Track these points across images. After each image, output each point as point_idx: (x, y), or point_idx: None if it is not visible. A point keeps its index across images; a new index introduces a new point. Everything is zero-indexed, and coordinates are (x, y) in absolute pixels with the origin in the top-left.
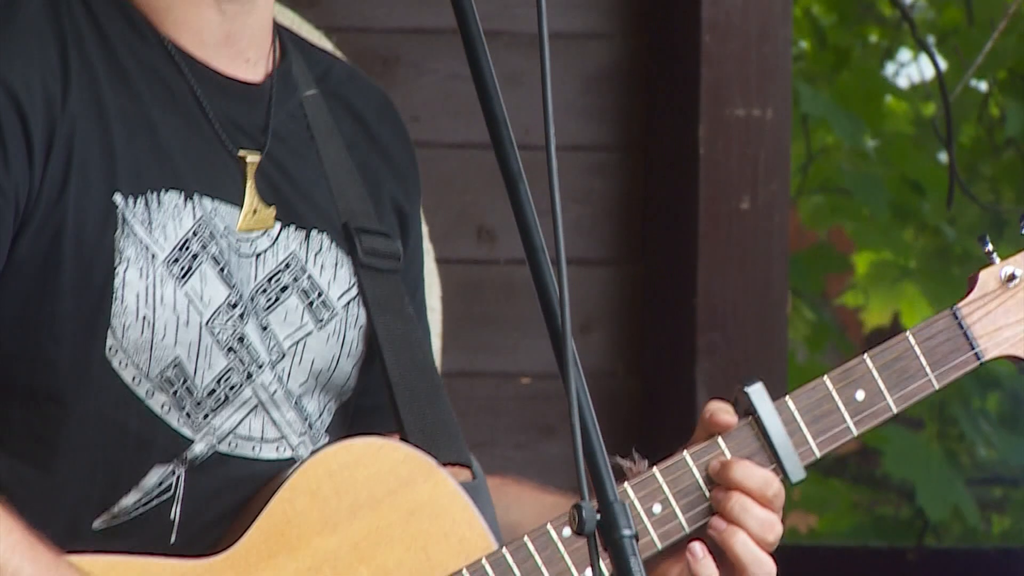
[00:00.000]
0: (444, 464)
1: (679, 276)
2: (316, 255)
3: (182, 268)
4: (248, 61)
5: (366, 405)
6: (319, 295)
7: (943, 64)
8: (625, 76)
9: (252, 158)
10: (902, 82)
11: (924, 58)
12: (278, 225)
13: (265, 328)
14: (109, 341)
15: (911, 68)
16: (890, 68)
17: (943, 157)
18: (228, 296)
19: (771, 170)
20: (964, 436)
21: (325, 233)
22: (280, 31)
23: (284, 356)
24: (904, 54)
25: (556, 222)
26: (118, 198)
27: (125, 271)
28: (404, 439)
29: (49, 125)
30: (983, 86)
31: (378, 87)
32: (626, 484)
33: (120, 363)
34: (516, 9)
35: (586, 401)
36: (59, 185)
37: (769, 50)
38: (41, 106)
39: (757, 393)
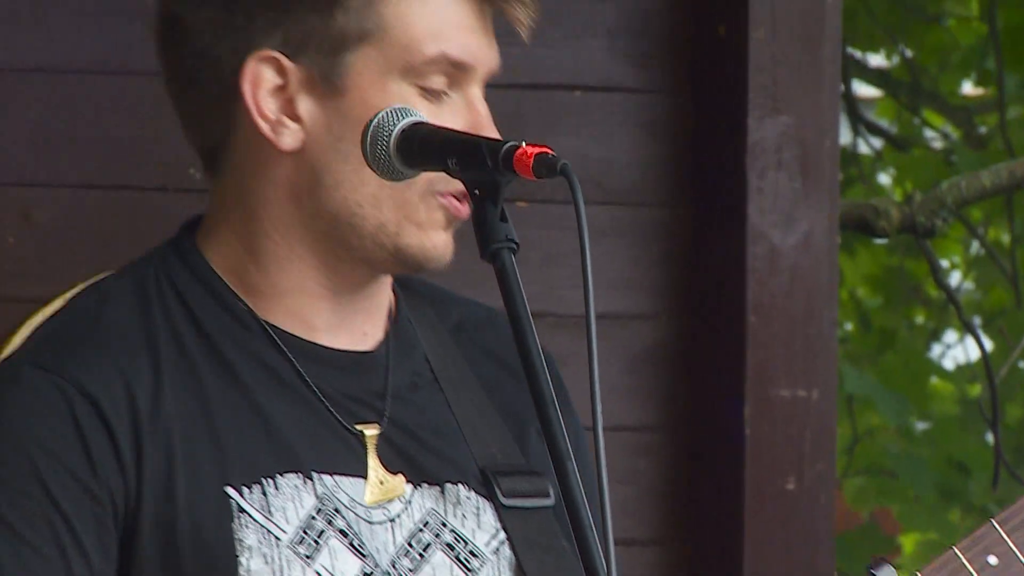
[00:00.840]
0: None
1: (725, 556)
2: (455, 507)
3: (308, 547)
4: (365, 335)
5: None
6: (465, 545)
7: (989, 345)
8: (670, 357)
9: (371, 431)
10: (948, 363)
11: (970, 339)
12: (409, 488)
13: None
14: None
15: (957, 349)
16: (936, 349)
17: (989, 438)
18: (362, 567)
19: (817, 451)
20: None
21: (461, 484)
22: (395, 289)
23: None
24: (950, 335)
25: (603, 502)
26: (230, 490)
27: (249, 560)
28: None
29: (136, 427)
30: None
31: None
32: None
33: None
34: (562, 291)
35: None
36: (164, 484)
37: (814, 331)
38: (126, 410)
39: (886, 574)
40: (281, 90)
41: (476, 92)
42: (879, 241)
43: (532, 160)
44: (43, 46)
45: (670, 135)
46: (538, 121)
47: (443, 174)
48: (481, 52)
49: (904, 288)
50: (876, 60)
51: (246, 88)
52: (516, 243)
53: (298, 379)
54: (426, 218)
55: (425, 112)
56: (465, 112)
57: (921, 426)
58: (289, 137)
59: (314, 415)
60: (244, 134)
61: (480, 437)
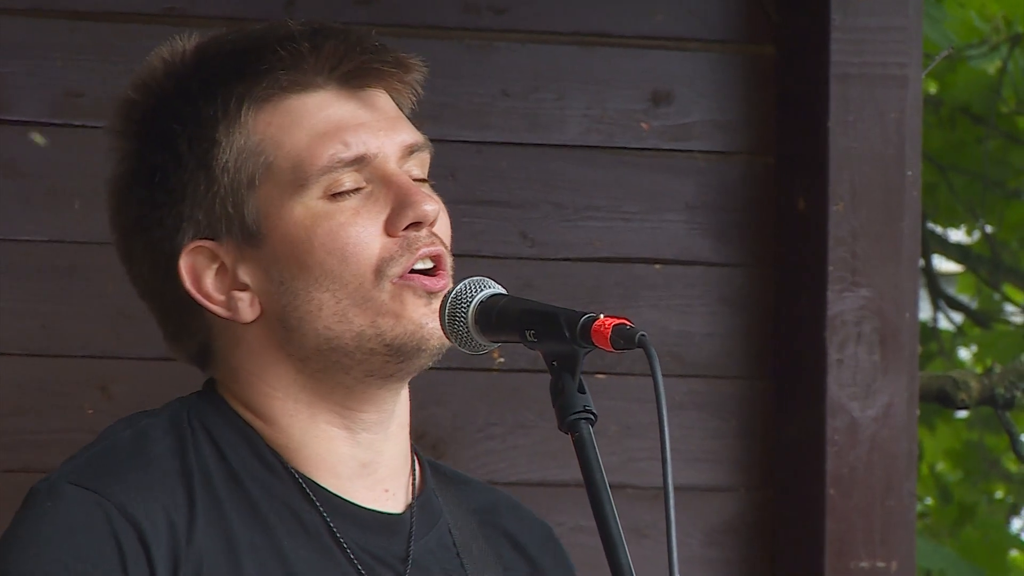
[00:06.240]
0: None
1: None
2: None
3: None
4: (387, 491)
5: None
6: None
7: None
8: (749, 529)
9: None
10: None
11: None
12: None
13: None
14: None
15: None
16: (1016, 523)
17: None
18: None
19: None
20: None
21: None
22: (421, 459)
23: None
24: None
25: None
26: None
27: None
28: None
29: (173, 555)
30: None
31: (543, 522)
32: None
33: None
34: (640, 463)
35: None
36: None
37: (894, 503)
38: (165, 537)
39: None
40: (223, 271)
41: (391, 169)
42: (959, 415)
43: (610, 332)
44: None
45: (749, 308)
46: (618, 294)
47: (390, 259)
48: (375, 139)
49: (984, 462)
50: (956, 236)
51: (189, 287)
52: (594, 414)
53: (324, 529)
54: (396, 305)
55: (348, 212)
56: (386, 193)
57: None
58: (245, 307)
59: (335, 567)
60: (217, 325)
61: None
